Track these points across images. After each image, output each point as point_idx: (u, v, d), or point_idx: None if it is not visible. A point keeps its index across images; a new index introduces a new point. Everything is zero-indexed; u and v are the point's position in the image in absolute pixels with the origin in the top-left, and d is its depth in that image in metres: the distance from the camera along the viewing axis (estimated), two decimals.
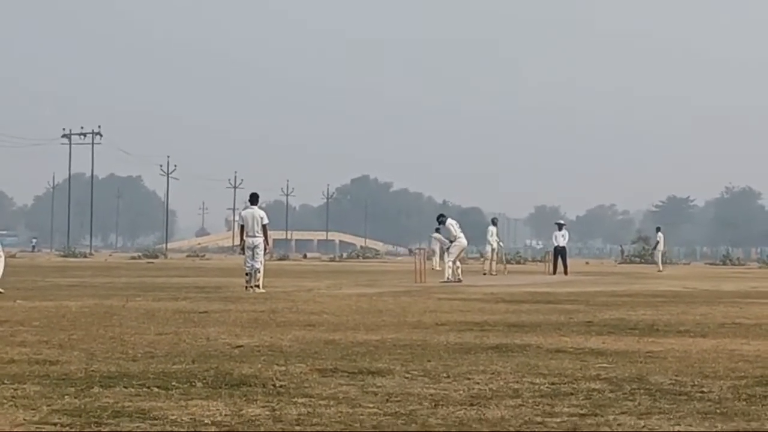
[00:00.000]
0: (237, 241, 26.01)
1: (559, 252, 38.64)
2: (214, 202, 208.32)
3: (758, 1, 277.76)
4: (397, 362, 8.80)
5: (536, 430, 5.89)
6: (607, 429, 5.93)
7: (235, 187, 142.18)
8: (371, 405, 6.62)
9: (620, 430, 5.91)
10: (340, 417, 6.20)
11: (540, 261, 60.52)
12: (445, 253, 30.26)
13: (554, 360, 9.11)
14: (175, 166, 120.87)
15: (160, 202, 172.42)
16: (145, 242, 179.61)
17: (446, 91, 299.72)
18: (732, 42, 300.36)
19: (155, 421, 6.01)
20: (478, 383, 7.60)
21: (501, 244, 40.17)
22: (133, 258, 71.64)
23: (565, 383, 7.63)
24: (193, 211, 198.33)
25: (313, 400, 6.80)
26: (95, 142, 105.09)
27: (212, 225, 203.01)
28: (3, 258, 20.92)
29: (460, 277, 29.01)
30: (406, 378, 7.87)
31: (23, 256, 72.58)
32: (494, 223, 40.14)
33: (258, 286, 21.78)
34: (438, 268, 38.28)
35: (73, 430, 5.79)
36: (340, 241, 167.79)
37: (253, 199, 22.97)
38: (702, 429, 5.96)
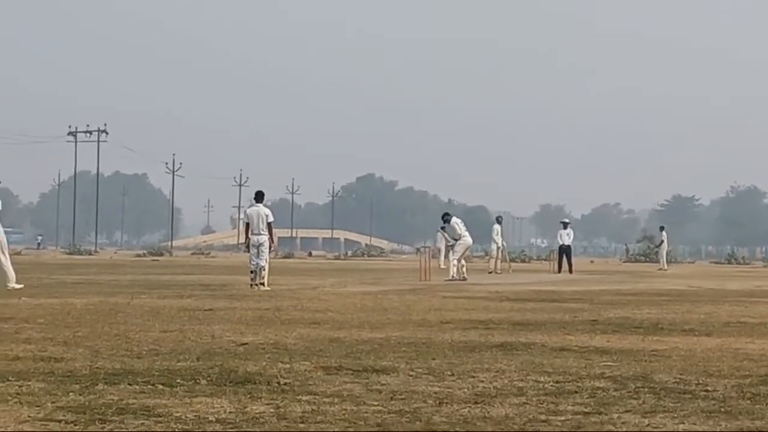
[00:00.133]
0: (242, 239, 26.02)
1: (564, 251, 38.66)
2: (219, 199, 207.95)
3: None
4: (401, 360, 8.80)
5: (540, 428, 5.89)
6: (611, 427, 5.92)
7: (240, 185, 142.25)
8: (375, 403, 6.62)
9: (624, 428, 5.91)
10: (344, 414, 6.20)
11: (545, 259, 60.32)
12: (450, 252, 30.26)
13: (559, 358, 9.10)
14: (181, 164, 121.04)
15: (165, 200, 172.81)
16: (151, 240, 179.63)
17: (452, 89, 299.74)
18: (737, 40, 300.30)
19: (159, 418, 6.01)
20: (482, 381, 7.60)
21: (504, 243, 40.19)
22: (138, 255, 71.73)
23: (569, 381, 7.63)
24: (198, 208, 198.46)
25: (317, 397, 6.80)
26: (101, 139, 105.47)
27: (217, 223, 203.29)
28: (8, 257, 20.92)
29: (465, 275, 29.02)
30: (411, 376, 7.87)
31: (29, 253, 72.56)
32: (499, 221, 40.15)
33: (263, 284, 21.79)
34: (443, 267, 38.26)
35: (78, 427, 5.79)
36: (345, 239, 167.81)
37: (259, 196, 23.00)
38: (706, 427, 5.96)
